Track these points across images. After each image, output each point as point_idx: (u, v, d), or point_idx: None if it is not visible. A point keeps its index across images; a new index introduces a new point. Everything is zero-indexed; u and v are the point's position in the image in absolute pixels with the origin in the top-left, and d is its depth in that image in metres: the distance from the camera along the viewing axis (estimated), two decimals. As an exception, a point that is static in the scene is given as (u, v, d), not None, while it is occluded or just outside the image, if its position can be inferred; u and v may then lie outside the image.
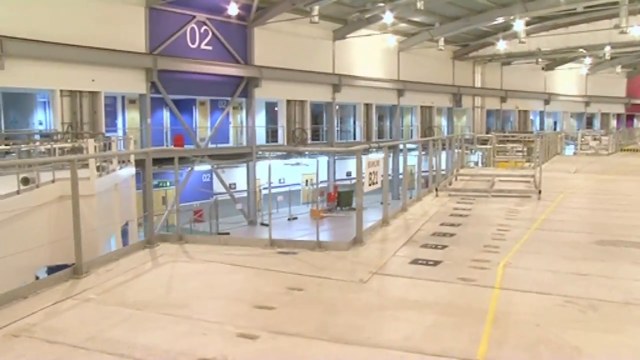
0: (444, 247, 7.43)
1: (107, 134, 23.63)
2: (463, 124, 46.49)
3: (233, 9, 27.37)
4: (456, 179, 15.65)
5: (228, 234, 21.54)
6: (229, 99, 30.06)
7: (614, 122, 56.84)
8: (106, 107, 25.21)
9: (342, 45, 34.60)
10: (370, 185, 7.96)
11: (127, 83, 25.19)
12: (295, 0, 27.98)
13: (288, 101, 32.50)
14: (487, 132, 39.20)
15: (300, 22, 30.04)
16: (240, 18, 28.80)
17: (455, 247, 7.45)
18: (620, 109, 57.68)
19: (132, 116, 27.81)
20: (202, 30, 27.93)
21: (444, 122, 44.89)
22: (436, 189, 12.67)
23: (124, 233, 19.50)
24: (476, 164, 28.89)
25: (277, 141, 32.79)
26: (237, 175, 31.72)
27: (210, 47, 28.39)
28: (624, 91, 56.89)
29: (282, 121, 32.47)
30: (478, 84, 45.81)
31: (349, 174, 35.65)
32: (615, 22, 31.01)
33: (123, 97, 27.61)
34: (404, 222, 9.45)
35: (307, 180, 35.66)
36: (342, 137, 37.79)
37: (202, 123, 31.05)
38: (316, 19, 28.63)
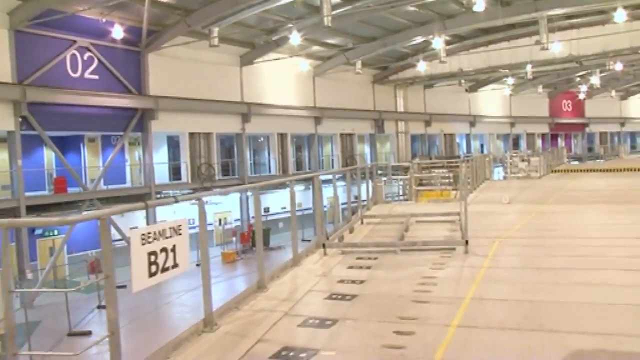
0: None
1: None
2: (387, 151, 44.15)
3: (118, 33, 24.23)
4: (362, 222, 12.48)
5: (90, 332, 18.05)
6: (121, 133, 26.50)
7: (539, 142, 56.71)
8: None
9: (251, 71, 31.67)
10: (152, 276, 4.38)
11: (-11, 118, 21.43)
12: (191, 22, 25.07)
13: (191, 134, 29.21)
14: (413, 158, 37.01)
15: (201, 46, 27.00)
16: (130, 43, 25.63)
17: None
18: (545, 128, 57.57)
19: (4, 157, 23.89)
20: (85, 57, 24.51)
21: (366, 149, 42.46)
22: (324, 245, 8.98)
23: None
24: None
25: (180, 179, 29.31)
26: (137, 219, 27.95)
27: (96, 76, 25.01)
28: (547, 111, 56.86)
29: (184, 156, 29.04)
30: (401, 108, 43.68)
31: (266, 209, 32.53)
32: (536, 38, 29.67)
33: (-11, 136, 23.80)
34: (247, 316, 5.90)
35: (220, 220, 32.27)
36: (256, 171, 34.65)
37: (92, 162, 27.38)
38: (216, 41, 25.78)
